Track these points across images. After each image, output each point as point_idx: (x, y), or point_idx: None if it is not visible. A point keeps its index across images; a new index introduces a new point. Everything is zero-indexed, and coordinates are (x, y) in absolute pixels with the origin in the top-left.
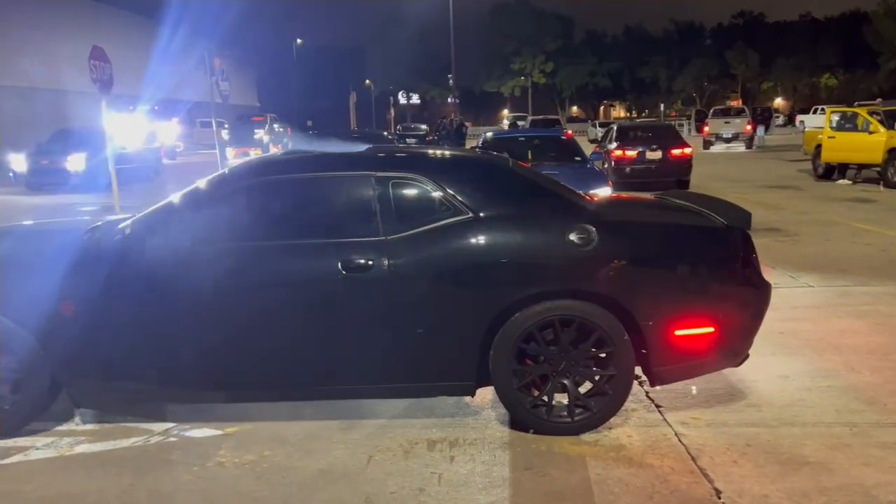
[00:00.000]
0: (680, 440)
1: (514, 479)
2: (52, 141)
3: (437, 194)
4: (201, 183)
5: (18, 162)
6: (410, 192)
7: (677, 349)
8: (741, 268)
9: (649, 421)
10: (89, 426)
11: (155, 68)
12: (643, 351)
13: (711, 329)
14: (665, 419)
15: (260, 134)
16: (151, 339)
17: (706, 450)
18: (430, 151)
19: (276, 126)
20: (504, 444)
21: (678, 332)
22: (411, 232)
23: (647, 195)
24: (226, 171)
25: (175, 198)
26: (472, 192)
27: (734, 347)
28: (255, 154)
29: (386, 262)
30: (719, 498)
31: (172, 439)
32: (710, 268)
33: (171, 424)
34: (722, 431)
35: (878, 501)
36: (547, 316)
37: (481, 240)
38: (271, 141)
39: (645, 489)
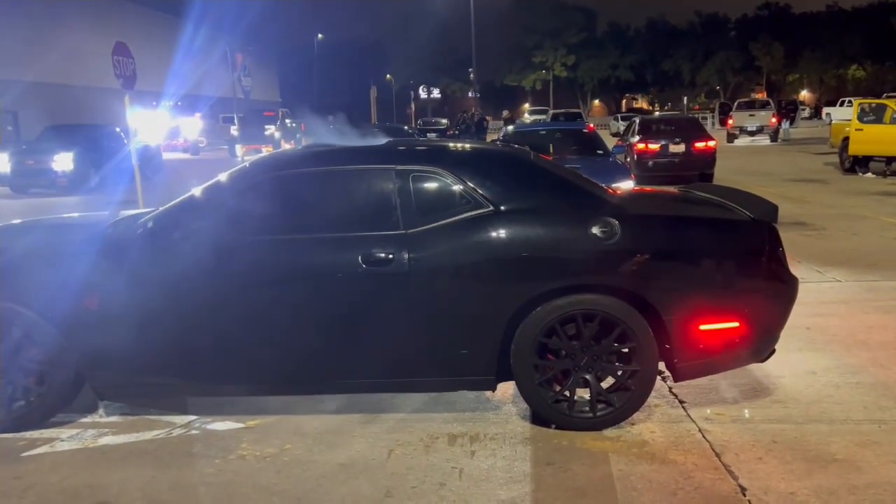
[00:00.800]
0: (704, 436)
1: (536, 475)
2: (40, 139)
3: (457, 188)
4: (223, 177)
5: (2, 162)
6: (431, 185)
7: (701, 344)
8: (767, 262)
9: (673, 417)
10: (113, 418)
11: (178, 64)
12: (666, 346)
13: (736, 324)
14: (689, 415)
15: (271, 130)
16: (174, 332)
17: (731, 446)
18: (451, 144)
19: (288, 121)
20: (525, 439)
21: (702, 327)
22: (432, 225)
23: (671, 188)
24: (247, 164)
25: (197, 192)
26: (493, 186)
27: (760, 343)
28: (266, 151)
29: (406, 256)
30: (744, 495)
31: (194, 432)
32: (736, 262)
33: (193, 417)
34: (747, 428)
35: None
36: (569, 310)
37: (502, 233)
38: (283, 137)
39: (668, 486)
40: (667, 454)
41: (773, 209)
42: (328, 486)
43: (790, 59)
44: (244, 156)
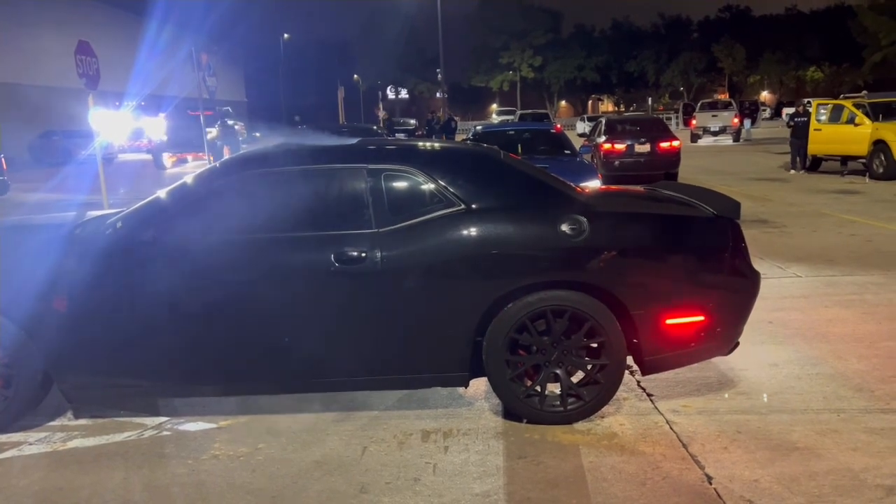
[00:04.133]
0: (671, 428)
1: (509, 468)
2: None
3: (429, 186)
4: (192, 177)
5: None
6: (403, 184)
7: (668, 338)
8: (731, 257)
9: (641, 409)
10: (82, 421)
11: (142, 64)
12: (634, 340)
13: (702, 318)
14: (656, 407)
15: (212, 133)
16: (144, 333)
17: (697, 437)
18: (422, 144)
19: (229, 122)
20: (498, 433)
21: (669, 321)
22: (404, 224)
23: (637, 187)
24: (217, 164)
25: (166, 192)
26: (465, 184)
27: (724, 336)
28: (204, 159)
29: (379, 254)
30: (710, 483)
31: (166, 433)
32: (701, 257)
33: (164, 418)
34: (712, 419)
35: (865, 485)
36: (539, 307)
37: (474, 231)
38: (222, 141)
39: (637, 476)
40: (636, 446)
41: (736, 206)
42: (303, 483)
43: (751, 61)
44: (173, 166)
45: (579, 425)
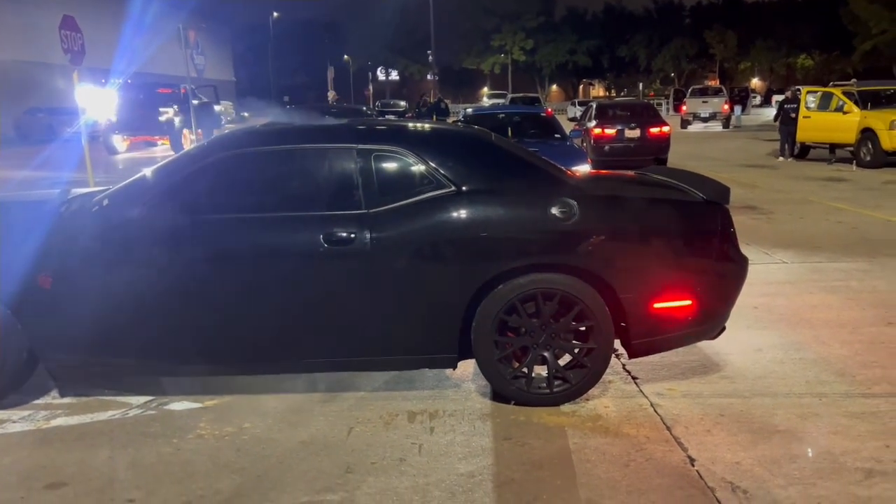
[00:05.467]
0: (655, 410)
1: (494, 449)
2: None
3: (419, 168)
4: (181, 154)
5: None
6: (393, 165)
7: (656, 322)
8: (719, 242)
9: (626, 392)
10: (66, 400)
11: (129, 41)
12: (622, 324)
13: (689, 302)
14: (641, 390)
15: (168, 113)
16: (131, 311)
17: (681, 419)
18: (413, 124)
19: (195, 102)
20: (484, 415)
21: (657, 305)
22: (394, 205)
23: (628, 172)
24: (205, 142)
25: (154, 170)
26: (455, 166)
27: (711, 320)
28: (161, 143)
29: (368, 236)
30: (693, 465)
31: (151, 412)
32: (689, 242)
33: (149, 397)
34: (696, 402)
35: (845, 468)
36: (529, 289)
37: (464, 213)
38: (193, 124)
39: (621, 457)
40: (620, 428)
41: (725, 191)
42: (289, 463)
43: (742, 48)
44: (128, 150)
45: (565, 407)
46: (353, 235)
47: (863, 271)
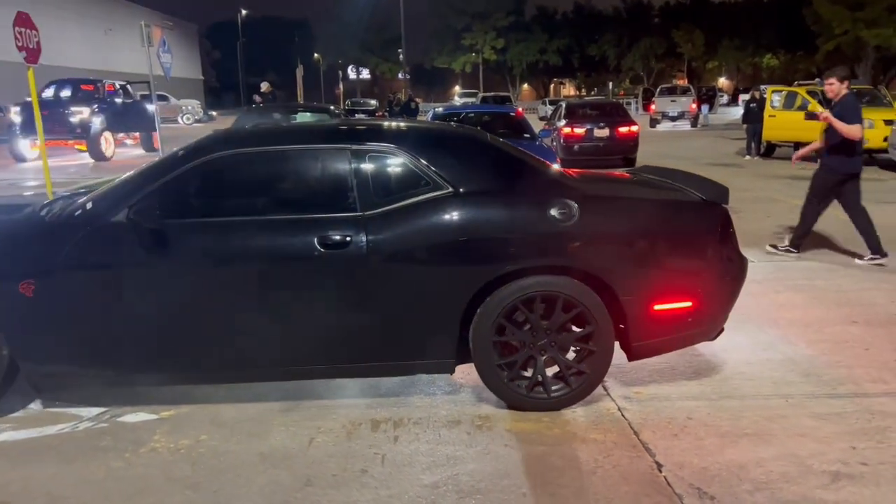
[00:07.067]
0: (623, 415)
1: (459, 458)
2: None
3: (415, 168)
4: (169, 155)
5: None
6: (388, 166)
7: (656, 324)
8: (720, 243)
9: (593, 396)
10: (14, 413)
11: (90, 38)
12: (621, 326)
13: (689, 303)
14: (609, 394)
15: (83, 113)
16: (117, 319)
17: (648, 424)
18: (408, 124)
19: (118, 101)
20: (449, 422)
21: (657, 307)
22: (390, 207)
23: (621, 171)
24: (193, 143)
25: (139, 171)
26: (452, 167)
27: (711, 321)
28: (77, 148)
29: (364, 239)
30: (660, 471)
31: (103, 425)
32: (690, 243)
33: (102, 409)
34: (664, 405)
35: (811, 471)
36: (528, 292)
37: (462, 215)
38: (113, 124)
39: (588, 464)
40: (587, 433)
41: (724, 191)
42: (246, 476)
43: (710, 47)
44: (40, 157)
45: (530, 413)
46: (348, 238)
47: (828, 270)
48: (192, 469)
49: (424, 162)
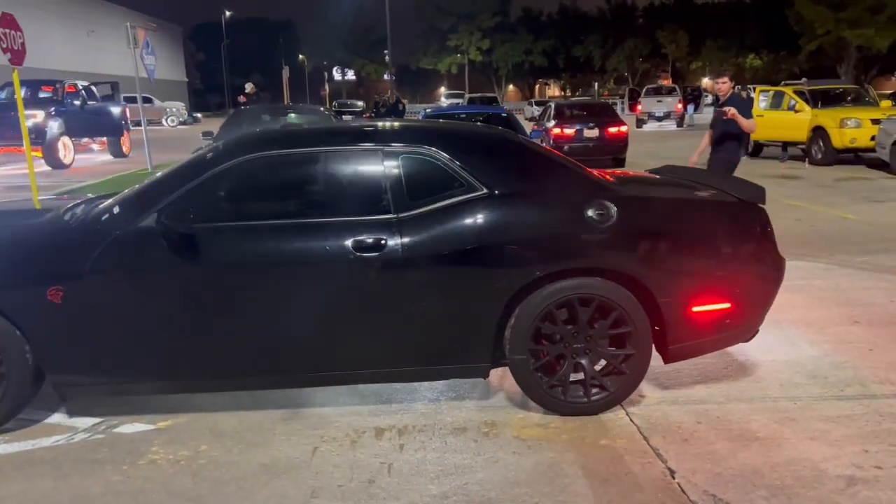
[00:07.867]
0: (631, 419)
1: (467, 466)
2: None
3: (450, 170)
4: (197, 157)
5: None
6: (422, 167)
7: (693, 326)
8: (758, 243)
9: None
10: (7, 425)
11: (73, 40)
12: (657, 328)
13: (728, 305)
14: None
15: (36, 117)
16: (150, 326)
17: (657, 428)
18: (441, 125)
19: (76, 102)
20: (456, 429)
21: (696, 309)
22: (424, 209)
23: (645, 172)
24: (220, 145)
25: (167, 174)
26: (487, 168)
27: (748, 323)
28: (34, 154)
29: (399, 242)
30: (674, 478)
31: (99, 436)
32: (729, 243)
33: (97, 420)
34: (672, 409)
35: (826, 475)
36: (565, 295)
37: (497, 217)
38: (73, 128)
39: (599, 472)
40: (596, 440)
41: (761, 191)
42: (250, 488)
43: (694, 47)
44: None
45: (539, 419)
46: (383, 242)
47: (825, 269)
48: (193, 481)
49: (458, 163)
